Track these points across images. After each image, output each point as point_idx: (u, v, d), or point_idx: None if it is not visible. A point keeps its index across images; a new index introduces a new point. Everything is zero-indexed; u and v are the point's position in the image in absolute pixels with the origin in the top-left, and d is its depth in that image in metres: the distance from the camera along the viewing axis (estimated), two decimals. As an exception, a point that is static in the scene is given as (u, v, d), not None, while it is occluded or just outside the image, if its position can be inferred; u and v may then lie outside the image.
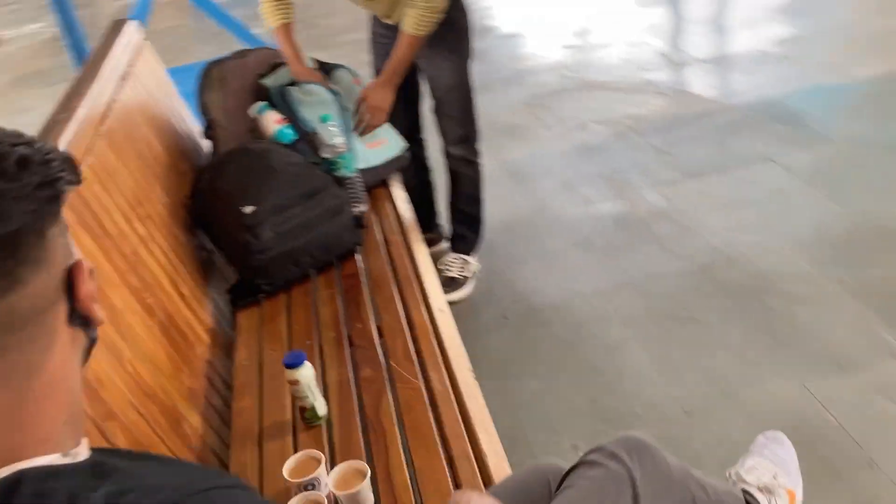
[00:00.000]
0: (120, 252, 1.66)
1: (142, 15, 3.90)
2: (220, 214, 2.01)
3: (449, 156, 2.59)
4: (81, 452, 0.70)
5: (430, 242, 2.89)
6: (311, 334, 1.86)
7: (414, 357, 1.69)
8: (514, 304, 2.61)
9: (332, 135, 2.22)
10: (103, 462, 0.71)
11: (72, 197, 1.55)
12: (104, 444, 1.27)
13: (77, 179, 0.73)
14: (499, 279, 2.75)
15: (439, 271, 2.71)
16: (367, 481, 1.32)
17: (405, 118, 2.62)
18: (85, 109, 1.83)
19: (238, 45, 4.32)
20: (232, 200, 1.98)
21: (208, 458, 1.59)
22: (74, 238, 1.49)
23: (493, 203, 3.10)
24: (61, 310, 0.69)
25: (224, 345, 1.96)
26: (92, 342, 0.76)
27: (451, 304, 2.63)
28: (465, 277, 2.69)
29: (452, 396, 1.57)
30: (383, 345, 1.76)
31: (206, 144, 2.55)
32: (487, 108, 4.18)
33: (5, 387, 0.66)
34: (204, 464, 1.56)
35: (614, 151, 3.49)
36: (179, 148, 2.40)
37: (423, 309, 1.85)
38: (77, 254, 0.73)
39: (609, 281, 2.63)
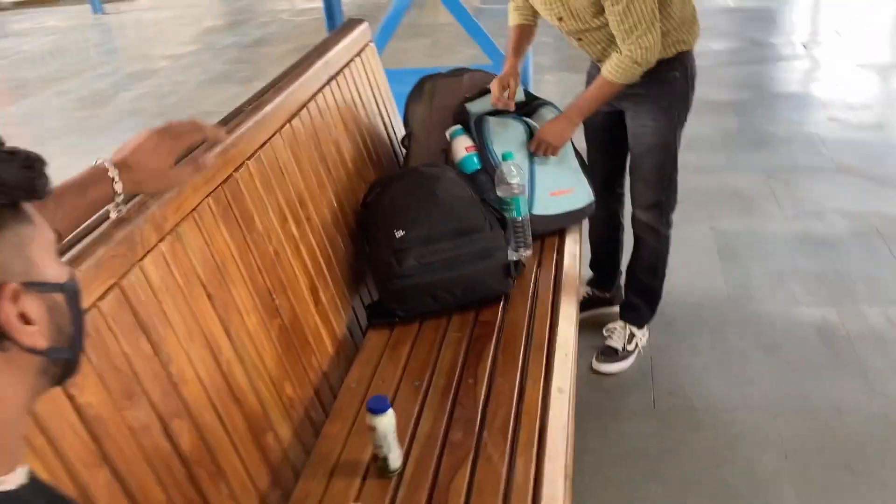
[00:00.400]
0: (259, 250, 1.70)
1: (399, 12, 4.05)
2: (376, 231, 2.01)
3: (635, 220, 2.41)
4: (9, 481, 0.68)
5: (605, 302, 2.73)
6: (424, 374, 1.80)
7: (510, 434, 1.57)
8: (669, 394, 2.37)
9: (511, 174, 2.14)
10: (20, 499, 0.68)
11: (226, 188, 1.60)
12: (163, 443, 1.29)
13: (33, 193, 0.69)
14: (662, 361, 2.52)
15: (603, 337, 2.54)
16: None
17: (605, 168, 2.47)
18: (273, 105, 1.90)
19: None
20: (387, 220, 1.96)
21: (284, 474, 1.58)
22: (213, 226, 1.51)
23: (687, 273, 2.86)
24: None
25: (349, 358, 1.95)
26: (60, 365, 0.74)
27: (602, 374, 2.47)
28: (627, 351, 2.49)
29: (531, 494, 1.43)
30: (485, 410, 1.65)
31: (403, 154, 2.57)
32: (722, 167, 3.88)
33: None
34: (277, 478, 1.56)
35: (846, 252, 3.06)
36: (373, 156, 2.44)
37: (540, 383, 1.71)
38: (26, 272, 0.69)
39: (786, 400, 2.30)
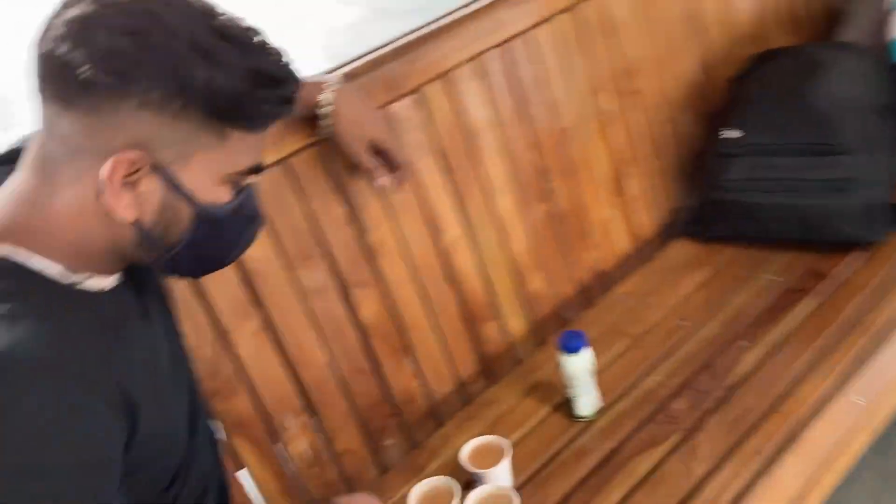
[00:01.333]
0: (543, 123, 1.50)
1: None
2: (714, 119, 1.60)
3: None
4: (79, 283, 0.74)
5: None
6: (698, 314, 1.46)
7: (741, 433, 1.20)
8: None
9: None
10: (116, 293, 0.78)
11: (514, 44, 1.40)
12: (338, 308, 1.28)
13: (244, 122, 0.73)
14: None
15: None
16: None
17: None
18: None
19: None
20: (728, 109, 1.55)
21: (500, 368, 1.48)
22: (471, 90, 1.34)
23: None
24: (93, 175, 0.69)
25: (642, 264, 1.67)
26: (157, 253, 0.76)
27: None
28: None
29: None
30: (733, 389, 1.28)
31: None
32: None
33: (40, 171, 0.72)
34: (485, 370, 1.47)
35: None
36: (785, 17, 1.90)
37: (828, 379, 1.25)
38: (170, 162, 0.71)
39: None
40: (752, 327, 1.40)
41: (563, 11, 1.50)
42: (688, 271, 1.58)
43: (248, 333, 1.20)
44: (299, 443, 1.27)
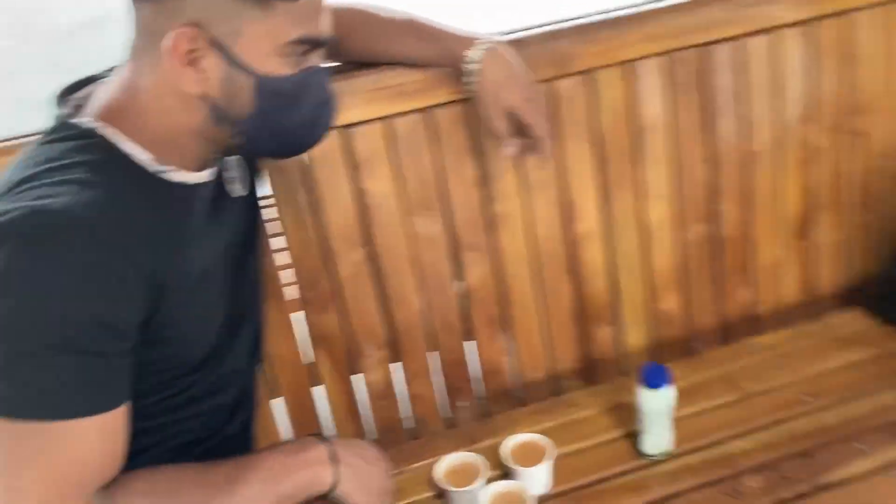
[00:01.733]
0: (728, 137, 1.37)
1: None
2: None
3: None
4: (199, 177, 0.86)
5: None
6: (825, 397, 1.28)
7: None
8: None
9: None
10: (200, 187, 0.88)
11: (719, 48, 1.30)
12: (442, 262, 1.30)
13: None
14: None
15: None
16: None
17: None
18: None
19: None
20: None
21: (598, 373, 1.43)
22: (652, 87, 1.27)
23: None
24: (166, 52, 0.78)
25: (806, 317, 1.49)
26: (227, 129, 0.84)
27: None
28: None
29: None
30: (823, 489, 1.13)
31: None
32: None
33: (134, 59, 0.83)
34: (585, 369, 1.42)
35: None
36: None
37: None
38: (225, 37, 0.78)
39: None
40: (880, 432, 1.21)
41: (791, 25, 1.33)
42: (846, 346, 1.39)
43: (352, 261, 1.26)
44: (375, 374, 1.33)
